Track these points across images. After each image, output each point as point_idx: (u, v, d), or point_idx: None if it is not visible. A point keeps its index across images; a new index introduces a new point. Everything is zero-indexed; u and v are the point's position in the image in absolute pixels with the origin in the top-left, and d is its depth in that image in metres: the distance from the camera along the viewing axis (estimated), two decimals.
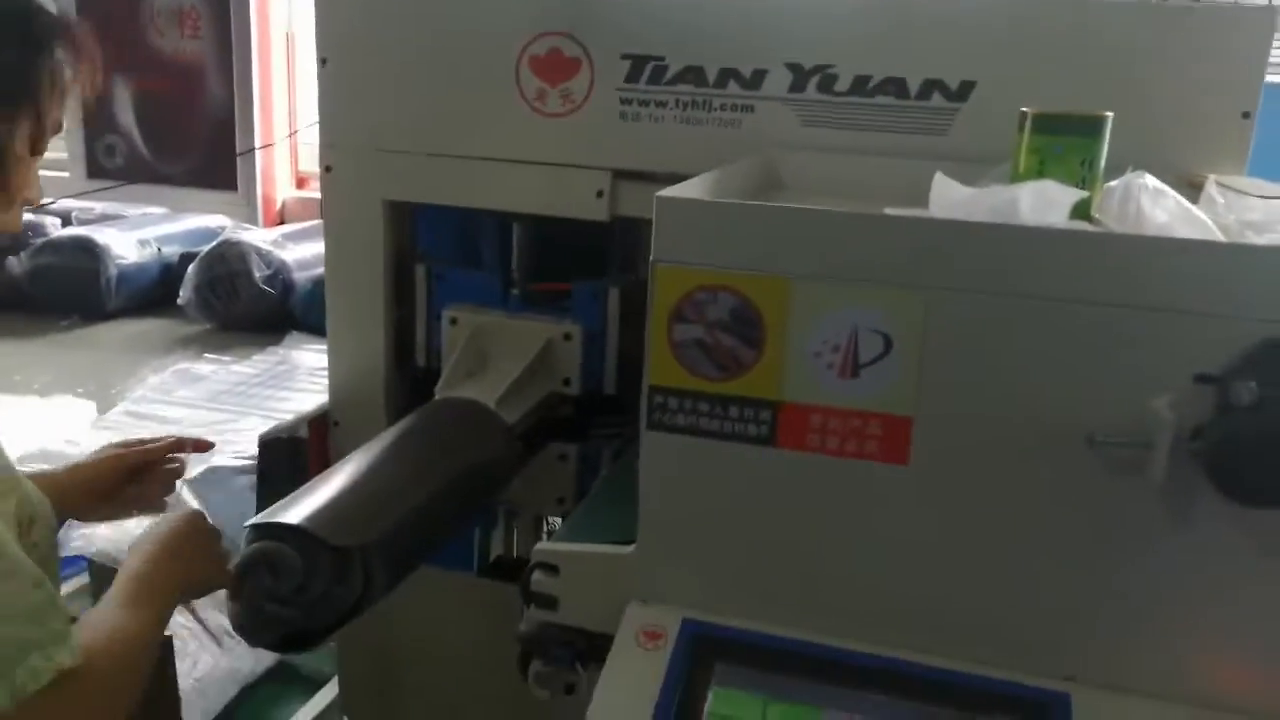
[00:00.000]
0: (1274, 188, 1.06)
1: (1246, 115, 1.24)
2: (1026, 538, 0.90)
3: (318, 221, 2.17)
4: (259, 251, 2.07)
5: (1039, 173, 1.02)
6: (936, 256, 0.87)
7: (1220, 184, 1.05)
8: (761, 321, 0.92)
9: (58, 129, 0.88)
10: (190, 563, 0.93)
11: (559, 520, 1.70)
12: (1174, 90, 1.24)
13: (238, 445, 1.50)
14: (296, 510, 1.06)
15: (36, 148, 0.86)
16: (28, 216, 0.79)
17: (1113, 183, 1.00)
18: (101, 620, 0.83)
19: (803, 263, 0.90)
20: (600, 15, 1.40)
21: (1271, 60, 1.26)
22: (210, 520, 0.98)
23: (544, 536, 1.76)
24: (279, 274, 2.08)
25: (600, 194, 1.45)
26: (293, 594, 0.99)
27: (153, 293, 2.19)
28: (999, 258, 0.86)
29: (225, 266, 2.04)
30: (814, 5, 1.39)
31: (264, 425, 1.58)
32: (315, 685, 2.10)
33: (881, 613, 0.95)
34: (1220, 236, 0.91)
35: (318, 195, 1.63)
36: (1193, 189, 1.14)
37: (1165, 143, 1.22)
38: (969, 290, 0.87)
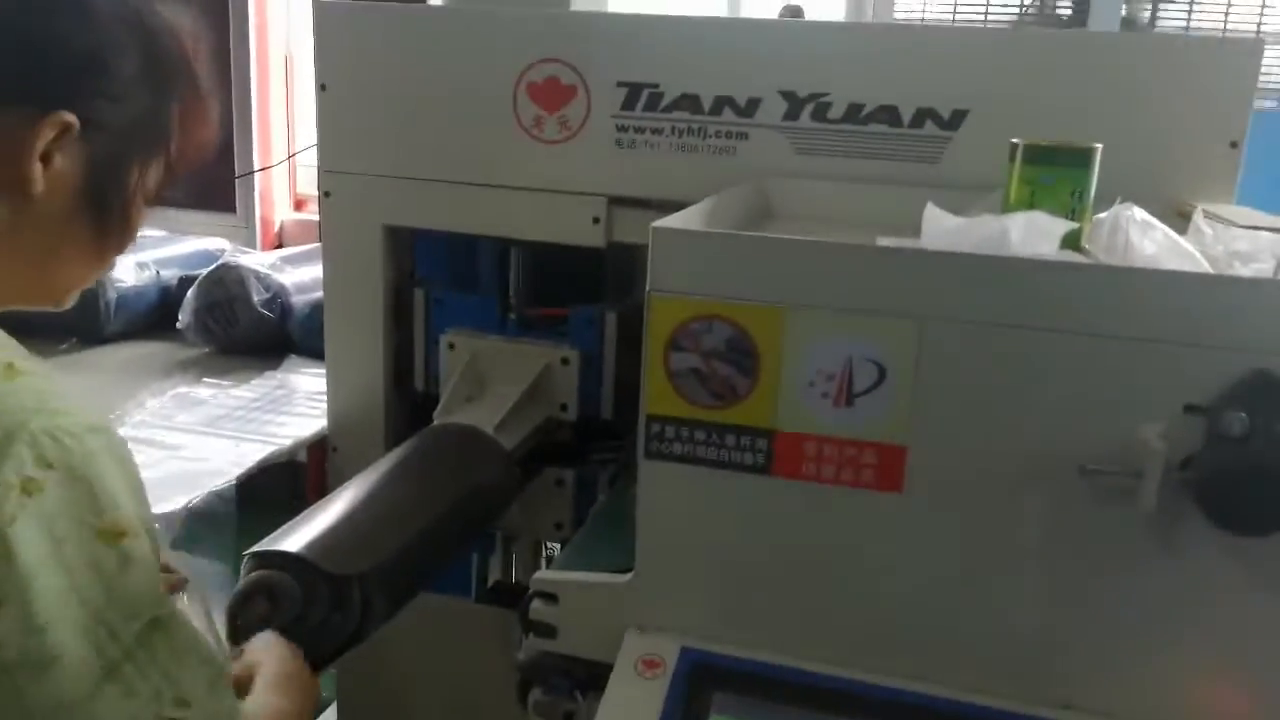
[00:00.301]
0: (1261, 217, 1.08)
1: (1234, 145, 1.26)
2: (1020, 566, 0.91)
3: (316, 245, 2.18)
4: (258, 275, 2.07)
5: (1030, 203, 1.03)
6: (930, 287, 0.88)
7: (1208, 214, 1.06)
8: (756, 351, 0.93)
9: (182, 173, 0.86)
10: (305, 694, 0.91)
11: (557, 546, 1.71)
12: (1162, 120, 1.26)
13: (238, 469, 1.51)
14: (295, 538, 1.06)
15: (159, 195, 0.84)
16: None
17: (1101, 215, 1.01)
18: (260, 703, 0.82)
19: (797, 292, 0.91)
20: (597, 43, 1.42)
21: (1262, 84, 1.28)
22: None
23: (542, 562, 1.77)
24: (277, 298, 2.09)
25: (597, 220, 1.46)
26: (291, 623, 0.99)
27: (151, 316, 2.20)
28: (991, 288, 0.87)
29: (224, 290, 2.04)
30: (808, 33, 1.41)
31: (263, 451, 1.59)
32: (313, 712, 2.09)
33: (878, 641, 0.96)
34: (1208, 268, 0.93)
35: (316, 217, 1.64)
36: (1181, 218, 1.15)
37: (1154, 172, 1.24)
38: (962, 320, 0.88)
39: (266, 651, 0.89)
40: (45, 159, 0.74)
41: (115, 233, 0.82)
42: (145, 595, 0.68)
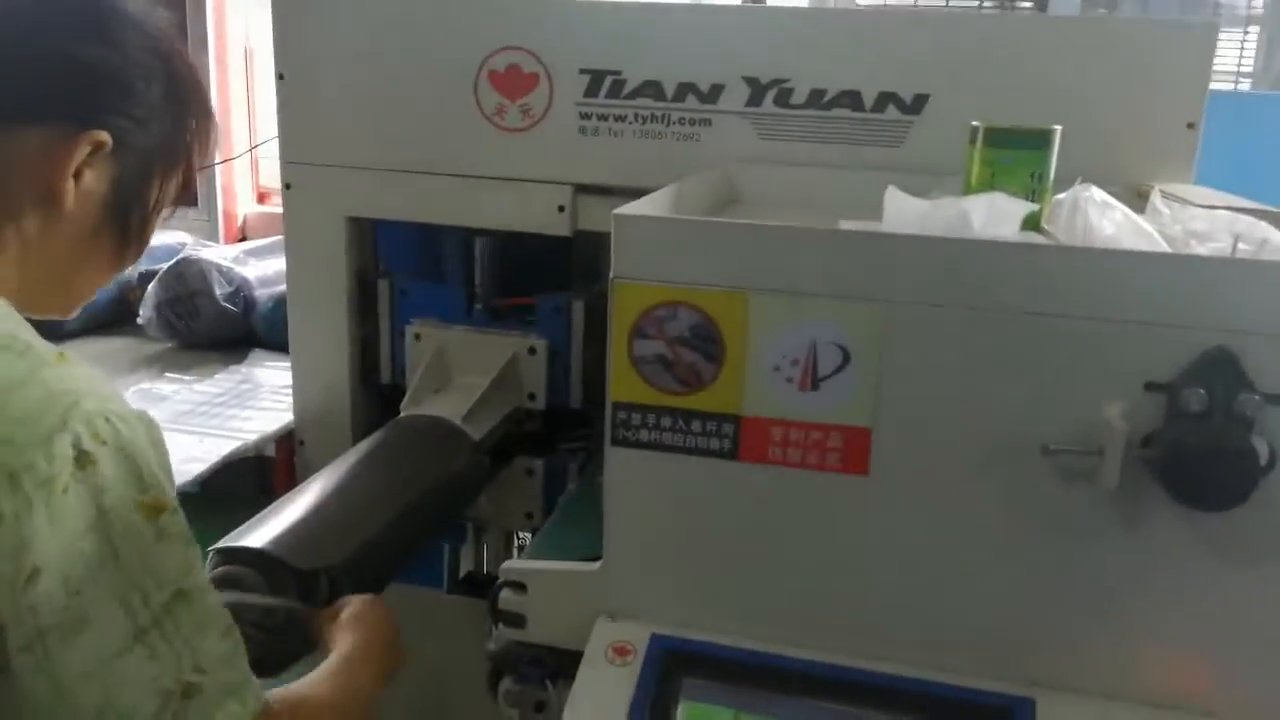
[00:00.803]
0: (1217, 196, 1.09)
1: (1191, 125, 1.27)
2: (985, 545, 0.92)
3: (279, 237, 2.16)
4: (220, 269, 2.04)
5: (990, 185, 1.04)
6: (892, 270, 0.89)
7: (1165, 194, 1.07)
8: (721, 336, 0.93)
9: (191, 185, 0.91)
10: (389, 652, 0.96)
11: (529, 535, 1.70)
12: (1121, 102, 1.27)
13: (202, 465, 1.49)
14: (260, 533, 1.05)
15: (171, 210, 0.90)
16: None
17: (1061, 195, 1.02)
18: (304, 684, 0.86)
19: (760, 278, 0.91)
20: (558, 30, 1.41)
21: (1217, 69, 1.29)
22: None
23: (514, 552, 1.76)
24: (240, 291, 2.06)
25: (562, 209, 1.46)
26: (259, 618, 0.98)
27: (112, 311, 2.16)
28: (953, 271, 0.88)
29: (185, 285, 2.01)
30: (770, 19, 1.41)
31: (228, 446, 1.57)
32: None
33: (847, 623, 0.96)
34: (1166, 247, 0.94)
35: (279, 210, 1.62)
36: (1141, 199, 1.17)
37: (1113, 154, 1.25)
38: (924, 303, 0.89)
39: (348, 628, 0.93)
40: (76, 175, 0.79)
41: (133, 245, 0.87)
42: (176, 567, 0.72)
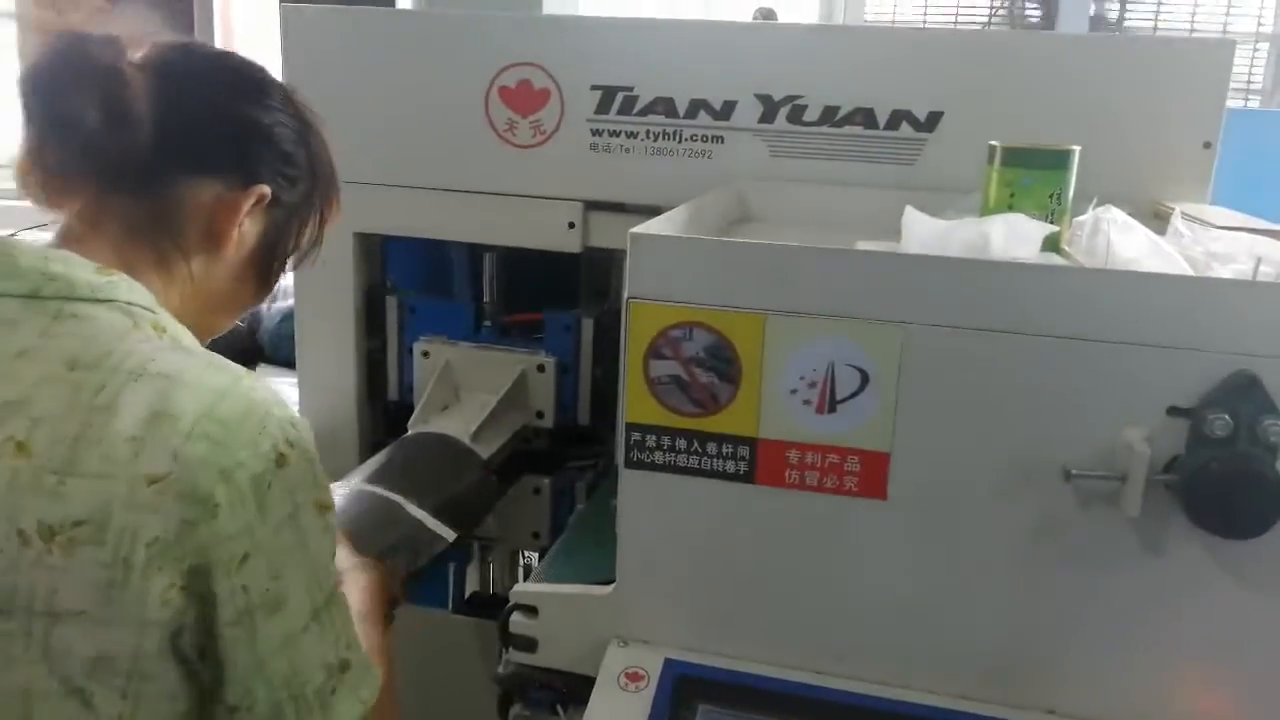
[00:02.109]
0: (1237, 217, 1.08)
1: (1208, 145, 1.26)
2: (1006, 571, 0.91)
3: None
4: None
5: (1008, 205, 1.03)
6: (912, 291, 0.88)
7: (1185, 215, 1.06)
8: (737, 357, 0.92)
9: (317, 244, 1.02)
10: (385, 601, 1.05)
11: (535, 555, 1.69)
12: (1137, 121, 1.26)
13: None
14: None
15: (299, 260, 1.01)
16: None
17: (1082, 217, 1.01)
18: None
19: (778, 298, 0.90)
20: (569, 46, 1.41)
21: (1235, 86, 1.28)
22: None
23: (520, 571, 1.75)
24: None
25: (572, 225, 1.45)
26: None
27: None
28: (974, 292, 0.87)
29: None
30: (783, 36, 1.40)
31: None
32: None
33: (864, 649, 0.95)
34: (1188, 269, 0.93)
35: None
36: (1157, 219, 1.16)
37: (1129, 173, 1.24)
38: (944, 325, 0.88)
39: (346, 580, 0.99)
40: (239, 223, 0.90)
41: (267, 288, 0.98)
42: (333, 557, 0.82)
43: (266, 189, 0.90)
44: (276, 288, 1.01)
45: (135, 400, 0.74)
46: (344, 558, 1.03)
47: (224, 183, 0.88)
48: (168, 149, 0.85)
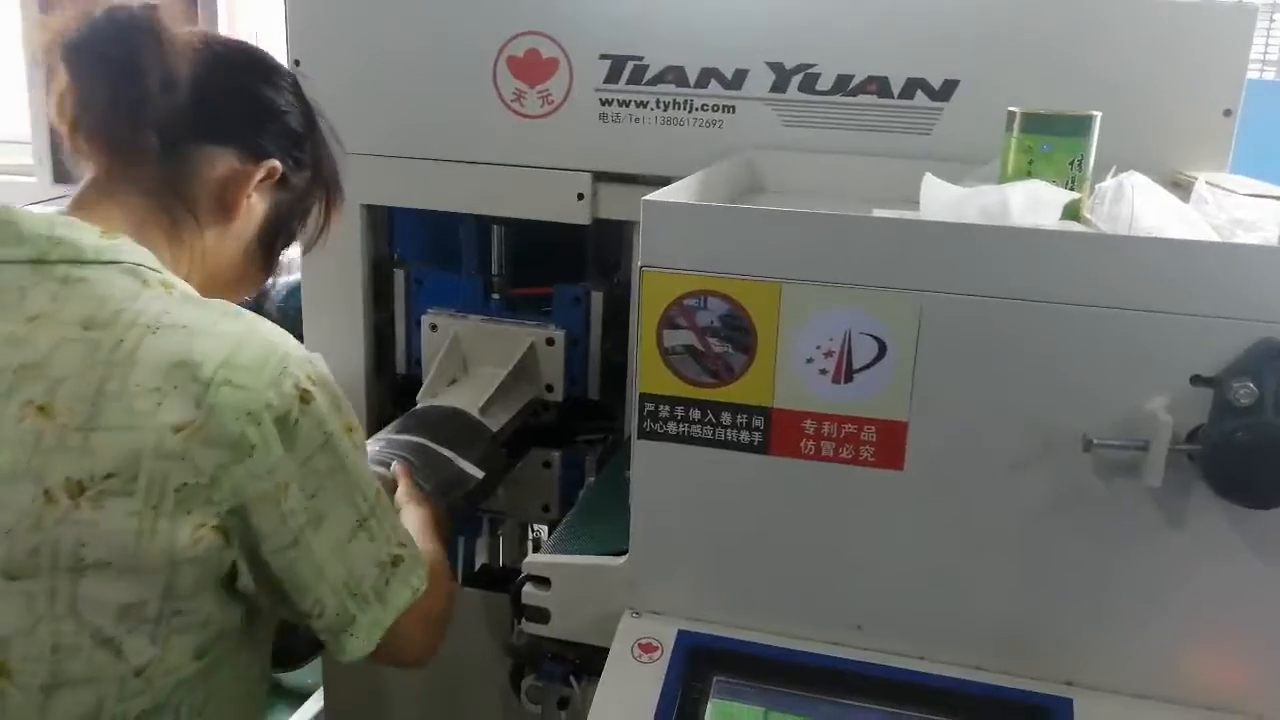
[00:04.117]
0: (1260, 186, 1.06)
1: (1228, 113, 1.24)
2: (1024, 542, 0.90)
3: None
4: None
5: (1028, 172, 1.01)
6: (931, 259, 0.86)
7: (1209, 183, 1.04)
8: (752, 326, 0.90)
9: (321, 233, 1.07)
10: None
11: (544, 528, 1.68)
12: (1156, 88, 1.24)
13: None
14: None
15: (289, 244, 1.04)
16: None
17: (1105, 182, 1.00)
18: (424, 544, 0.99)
19: (794, 266, 0.89)
20: (579, 14, 1.38)
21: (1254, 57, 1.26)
22: None
23: (529, 544, 1.74)
24: None
25: (581, 197, 1.43)
26: None
27: None
28: (994, 260, 0.85)
29: None
30: (795, 3, 1.38)
31: None
32: (300, 698, 2.06)
33: (880, 620, 0.94)
34: (1213, 236, 0.91)
35: None
36: (1176, 188, 1.14)
37: (1148, 141, 1.22)
38: (963, 293, 0.86)
39: (405, 509, 1.07)
40: (248, 195, 0.93)
41: (267, 270, 1.02)
42: (369, 468, 0.89)
43: (277, 164, 0.94)
44: (280, 266, 1.05)
45: (155, 352, 0.76)
46: (403, 493, 1.10)
47: (238, 155, 0.92)
48: (199, 115, 0.89)
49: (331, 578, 0.84)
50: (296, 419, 0.79)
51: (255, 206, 0.95)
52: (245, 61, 0.96)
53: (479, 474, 1.23)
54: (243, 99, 0.94)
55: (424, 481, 1.13)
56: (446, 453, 1.21)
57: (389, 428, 1.35)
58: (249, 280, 1.01)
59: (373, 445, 1.21)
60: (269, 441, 0.78)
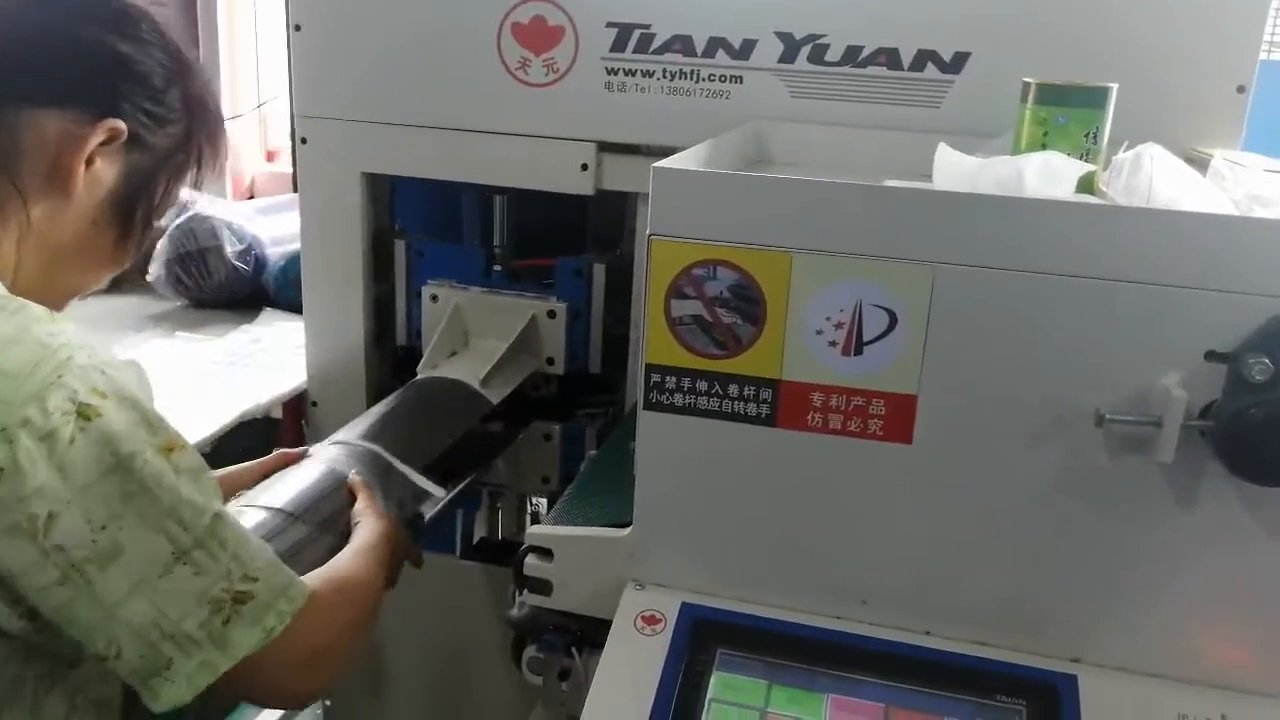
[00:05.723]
0: (1276, 163, 1.05)
1: (1241, 89, 1.23)
2: (1033, 517, 0.89)
3: (290, 195, 2.11)
4: (230, 226, 2.00)
5: (1042, 144, 1.00)
6: (943, 229, 0.85)
7: (1226, 158, 1.03)
8: (762, 297, 0.89)
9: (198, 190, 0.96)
10: (395, 548, 1.03)
11: (544, 501, 1.68)
12: (1169, 63, 1.23)
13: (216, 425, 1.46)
14: (274, 494, 1.02)
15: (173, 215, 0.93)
16: None
17: (1122, 154, 0.98)
18: (333, 564, 0.92)
19: (805, 236, 0.87)
20: None
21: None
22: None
23: (528, 518, 1.74)
24: (251, 249, 2.02)
25: (585, 167, 1.41)
26: None
27: None
28: (1008, 231, 0.84)
29: (195, 241, 1.97)
30: None
31: (241, 406, 1.54)
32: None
33: (886, 595, 0.94)
34: (1231, 209, 0.90)
35: (289, 170, 1.58)
36: (1189, 163, 1.12)
37: (1160, 117, 1.20)
38: (976, 264, 0.85)
39: (360, 523, 1.01)
40: (89, 161, 0.81)
41: (132, 243, 0.89)
42: (204, 493, 0.77)
43: (120, 124, 0.82)
44: (148, 246, 0.94)
45: None
46: (360, 508, 1.03)
47: (71, 116, 0.80)
48: (12, 72, 0.79)
49: (129, 617, 0.72)
50: (72, 438, 0.68)
51: (101, 174, 0.83)
52: (84, 6, 0.83)
53: (440, 493, 1.17)
54: (75, 50, 0.81)
55: (381, 498, 1.07)
56: (403, 468, 1.15)
57: (383, 403, 1.34)
58: (107, 258, 0.89)
59: (332, 448, 1.15)
60: (24, 464, 0.67)
